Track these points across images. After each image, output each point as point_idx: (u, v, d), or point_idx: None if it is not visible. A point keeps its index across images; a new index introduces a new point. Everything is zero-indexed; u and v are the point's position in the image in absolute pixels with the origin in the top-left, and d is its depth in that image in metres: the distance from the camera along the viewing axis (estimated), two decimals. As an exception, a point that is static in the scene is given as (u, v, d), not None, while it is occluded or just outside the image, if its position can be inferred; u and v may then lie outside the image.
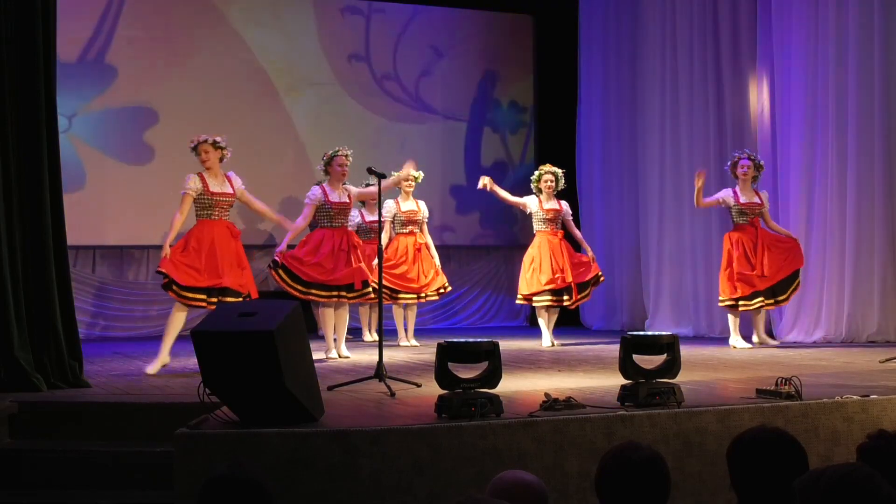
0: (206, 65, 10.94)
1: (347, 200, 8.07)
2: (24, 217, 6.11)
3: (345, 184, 8.20)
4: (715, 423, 4.76)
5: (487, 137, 12.29)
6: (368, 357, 7.58)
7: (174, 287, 6.98)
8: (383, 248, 8.16)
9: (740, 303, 8.74)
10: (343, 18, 11.65)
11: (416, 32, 11.95)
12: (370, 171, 6.64)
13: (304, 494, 4.19)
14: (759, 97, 9.99)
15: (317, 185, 8.15)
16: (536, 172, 9.43)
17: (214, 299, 7.02)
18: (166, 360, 7.02)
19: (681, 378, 4.99)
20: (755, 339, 8.88)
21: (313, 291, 7.82)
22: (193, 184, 7.19)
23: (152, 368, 6.89)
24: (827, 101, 9.15)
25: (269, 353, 4.24)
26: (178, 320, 7.07)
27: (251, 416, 4.46)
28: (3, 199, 5.99)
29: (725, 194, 8.91)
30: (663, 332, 5.14)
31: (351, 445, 4.27)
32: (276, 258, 7.84)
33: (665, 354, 4.98)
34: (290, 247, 8.03)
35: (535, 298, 9.22)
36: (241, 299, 7.01)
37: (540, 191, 9.31)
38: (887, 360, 6.92)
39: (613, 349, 5.57)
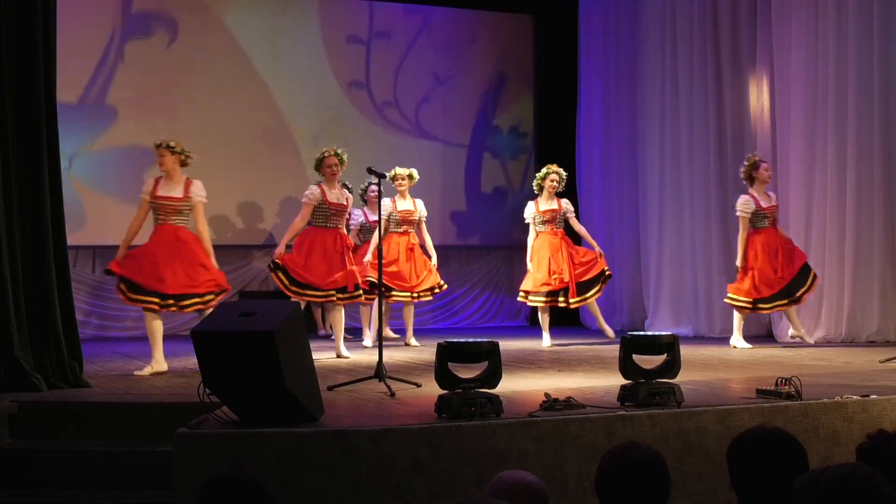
0: (205, 101, 10.86)
1: (345, 203, 8.05)
2: (24, 217, 6.12)
3: (344, 185, 8.19)
4: (715, 423, 4.76)
5: (487, 163, 12.31)
6: (368, 357, 7.59)
7: (121, 286, 6.95)
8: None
9: (760, 305, 8.72)
10: (347, 46, 11.65)
11: (416, 57, 11.91)
12: (370, 171, 6.65)
13: (304, 494, 4.19)
14: (759, 97, 9.99)
15: (316, 184, 8.13)
16: (543, 170, 9.36)
17: (169, 302, 6.92)
18: (162, 368, 6.91)
19: (681, 378, 4.99)
20: (792, 332, 8.82)
21: (308, 293, 7.81)
22: (146, 187, 7.18)
23: (141, 371, 6.87)
24: (827, 101, 9.14)
25: (270, 353, 4.23)
26: (154, 327, 6.96)
27: (251, 416, 4.46)
28: (3, 199, 5.99)
29: (748, 206, 8.77)
30: (663, 332, 5.14)
31: (351, 445, 4.26)
32: (276, 260, 7.85)
33: (665, 354, 4.98)
34: (288, 247, 8.04)
35: (530, 297, 9.24)
36: (204, 300, 6.95)
37: (541, 189, 9.29)
38: (887, 360, 6.92)
39: (613, 349, 5.58)
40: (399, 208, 9.23)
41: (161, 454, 4.80)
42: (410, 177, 9.23)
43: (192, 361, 6.44)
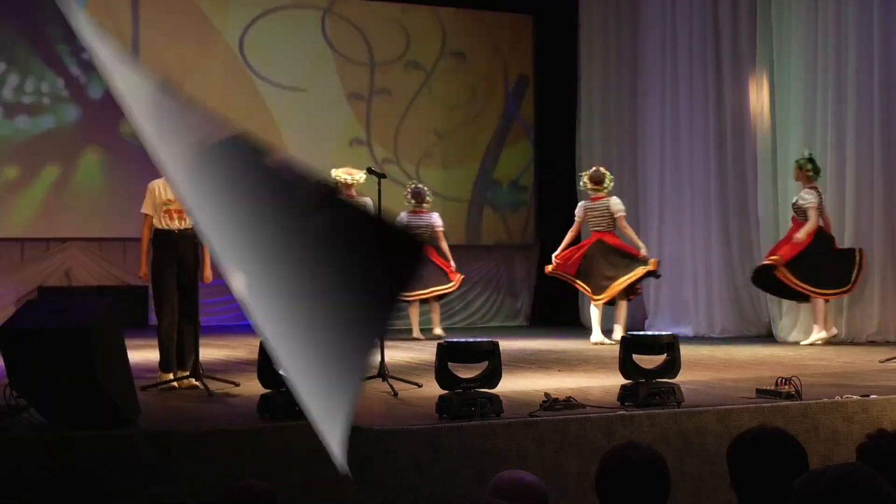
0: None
1: None
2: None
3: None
4: (715, 423, 4.77)
5: (487, 217, 12.36)
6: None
7: None
8: None
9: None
10: (348, 103, 11.72)
11: (417, 113, 11.98)
12: (370, 171, 6.68)
13: (304, 494, 4.19)
14: (758, 96, 9.98)
15: None
16: (606, 174, 9.41)
17: None
18: None
19: (681, 378, 5.00)
20: (833, 331, 8.80)
21: None
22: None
23: None
24: (826, 101, 9.15)
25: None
26: None
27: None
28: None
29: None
30: (663, 332, 5.15)
31: (350, 445, 4.25)
32: None
33: (665, 354, 4.98)
34: None
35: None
36: None
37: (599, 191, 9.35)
38: (887, 360, 6.92)
39: (613, 349, 5.58)
40: None
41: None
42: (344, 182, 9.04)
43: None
